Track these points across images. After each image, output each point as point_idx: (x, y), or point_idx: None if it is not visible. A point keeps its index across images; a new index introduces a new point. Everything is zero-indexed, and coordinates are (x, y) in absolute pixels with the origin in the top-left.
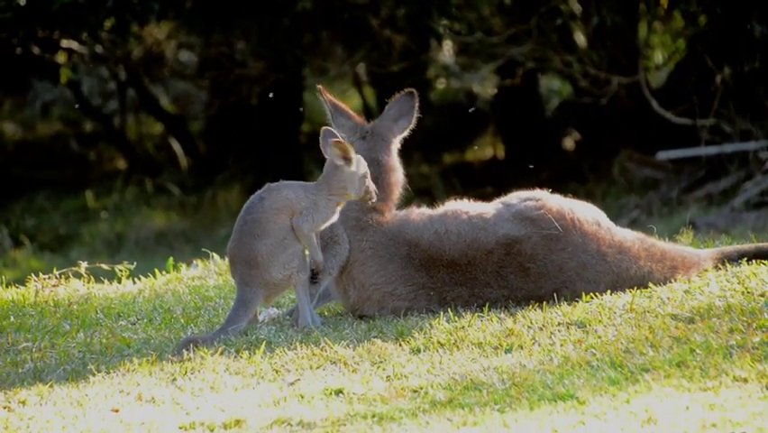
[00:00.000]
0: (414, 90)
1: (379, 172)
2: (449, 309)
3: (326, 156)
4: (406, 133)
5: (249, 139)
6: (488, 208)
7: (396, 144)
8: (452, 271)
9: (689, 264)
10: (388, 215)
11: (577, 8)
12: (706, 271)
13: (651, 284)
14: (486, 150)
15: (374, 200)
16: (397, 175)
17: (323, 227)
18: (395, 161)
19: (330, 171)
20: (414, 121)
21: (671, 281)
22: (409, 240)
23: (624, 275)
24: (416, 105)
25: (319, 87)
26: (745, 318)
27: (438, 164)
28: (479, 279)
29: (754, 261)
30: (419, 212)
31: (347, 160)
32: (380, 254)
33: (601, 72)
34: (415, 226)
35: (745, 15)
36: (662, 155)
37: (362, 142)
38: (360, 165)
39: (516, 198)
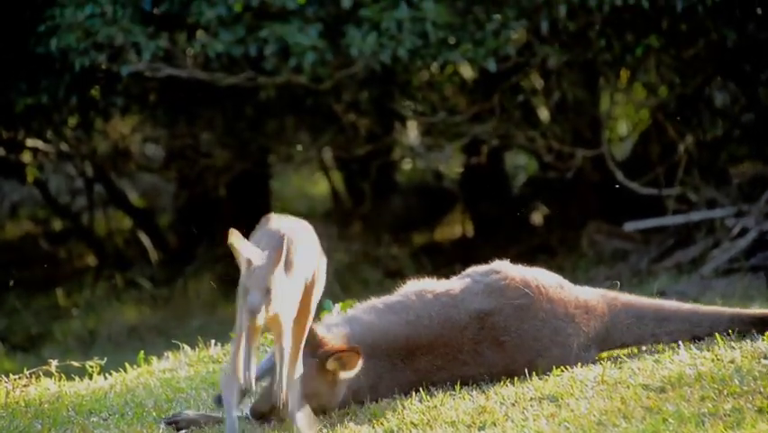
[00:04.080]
0: None
1: None
2: (421, 389)
3: None
4: None
5: (217, 229)
6: (453, 285)
7: None
8: (433, 357)
9: (662, 316)
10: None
11: (539, 84)
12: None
13: (621, 354)
14: (455, 228)
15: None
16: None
17: None
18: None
19: None
20: None
21: (635, 331)
22: (387, 348)
23: (592, 334)
24: None
25: None
26: (715, 386)
27: (408, 245)
28: (457, 359)
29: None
30: (378, 310)
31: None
32: (371, 375)
33: (565, 146)
34: (384, 330)
35: (706, 84)
36: (630, 226)
37: None
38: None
39: (475, 273)
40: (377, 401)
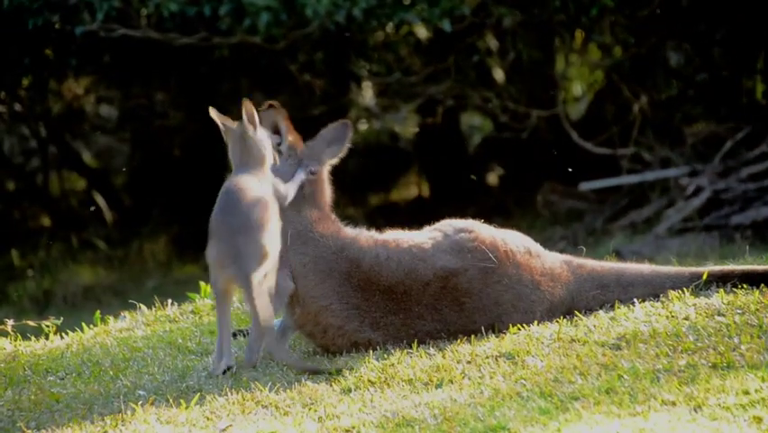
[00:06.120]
0: (348, 122)
1: (313, 185)
2: (378, 347)
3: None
4: (335, 161)
5: (172, 189)
6: (425, 238)
7: (327, 166)
8: (388, 299)
9: (626, 282)
10: (331, 226)
11: (494, 44)
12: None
13: (577, 312)
14: (411, 189)
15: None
16: (329, 191)
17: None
18: (326, 177)
19: (242, 146)
20: (345, 150)
21: (600, 299)
22: (351, 259)
23: (556, 301)
24: (350, 135)
25: (272, 103)
26: (670, 342)
27: (364, 206)
28: (413, 310)
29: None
30: (368, 235)
31: (253, 125)
32: (321, 268)
33: (520, 106)
34: (359, 247)
35: (661, 45)
36: (585, 186)
37: (295, 161)
38: (262, 131)
39: (450, 227)
40: (330, 346)
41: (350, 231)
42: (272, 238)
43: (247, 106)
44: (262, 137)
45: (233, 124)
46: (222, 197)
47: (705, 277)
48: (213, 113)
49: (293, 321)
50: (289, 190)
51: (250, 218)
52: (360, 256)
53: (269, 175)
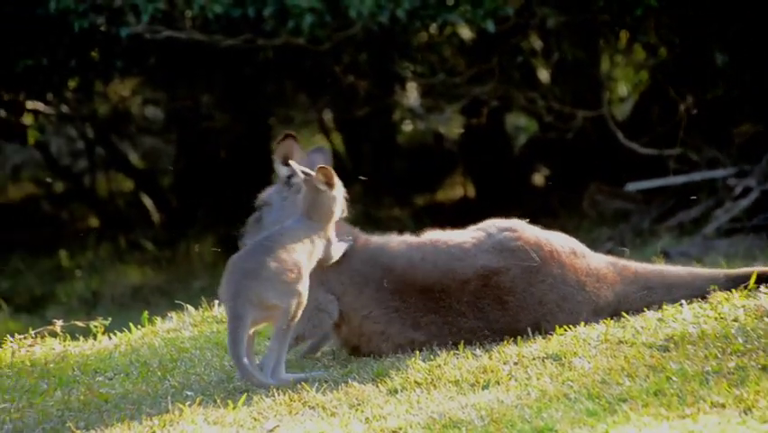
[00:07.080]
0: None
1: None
2: (425, 348)
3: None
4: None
5: (219, 190)
6: (467, 238)
7: None
8: (426, 298)
9: (669, 283)
10: (360, 239)
11: (538, 45)
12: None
13: (624, 313)
14: (456, 190)
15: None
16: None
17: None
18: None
19: (313, 198)
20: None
21: (646, 300)
22: (383, 265)
23: (602, 303)
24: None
25: (290, 132)
26: (719, 344)
27: (409, 206)
28: (453, 307)
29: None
30: (399, 240)
31: (330, 185)
32: (356, 281)
33: (566, 107)
34: (390, 253)
35: (706, 44)
36: (631, 186)
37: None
38: (340, 187)
39: (494, 227)
40: (376, 353)
41: (376, 239)
42: (283, 293)
43: (326, 171)
44: (338, 195)
45: (314, 177)
46: (257, 240)
47: (754, 279)
48: (293, 164)
49: (339, 340)
50: (336, 255)
51: (263, 267)
52: (391, 262)
53: (330, 234)
